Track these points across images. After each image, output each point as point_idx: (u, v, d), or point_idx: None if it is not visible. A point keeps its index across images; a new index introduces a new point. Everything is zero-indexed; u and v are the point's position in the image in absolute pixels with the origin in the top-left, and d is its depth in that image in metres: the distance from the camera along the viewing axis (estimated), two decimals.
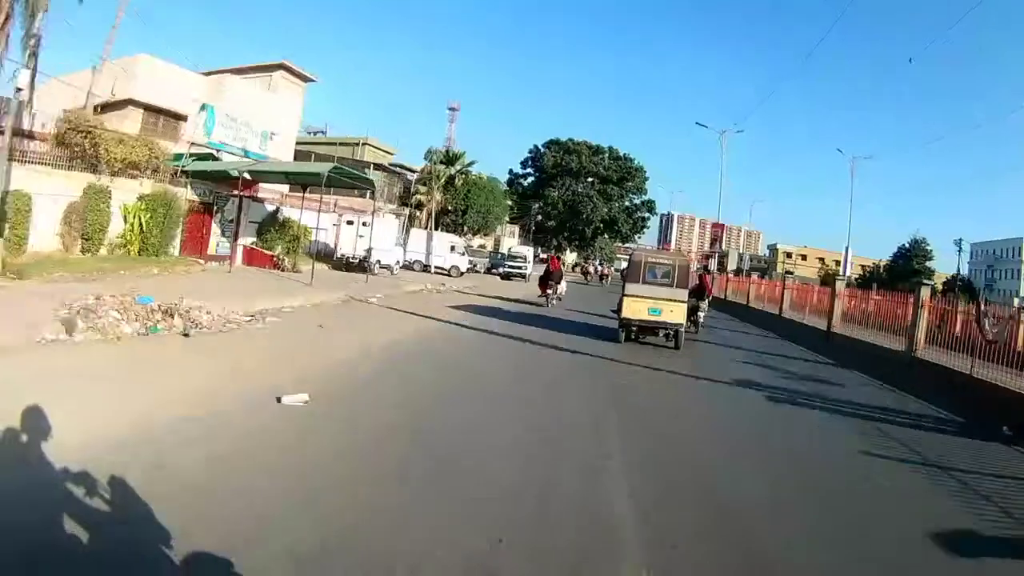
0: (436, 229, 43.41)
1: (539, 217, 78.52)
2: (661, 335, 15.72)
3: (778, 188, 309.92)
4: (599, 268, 73.23)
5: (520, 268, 40.79)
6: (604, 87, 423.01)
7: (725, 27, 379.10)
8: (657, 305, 14.81)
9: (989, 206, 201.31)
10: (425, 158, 44.66)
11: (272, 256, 26.76)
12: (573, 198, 77.58)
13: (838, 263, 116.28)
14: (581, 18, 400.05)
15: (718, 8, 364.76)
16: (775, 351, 18.26)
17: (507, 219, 72.96)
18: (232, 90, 35.94)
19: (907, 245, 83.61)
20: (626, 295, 15.08)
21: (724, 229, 43.66)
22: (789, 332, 23.54)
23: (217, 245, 26.62)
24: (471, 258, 40.24)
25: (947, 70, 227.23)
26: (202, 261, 23.72)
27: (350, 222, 28.26)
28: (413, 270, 35.25)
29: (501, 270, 41.13)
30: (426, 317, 15.82)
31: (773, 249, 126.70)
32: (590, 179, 79.84)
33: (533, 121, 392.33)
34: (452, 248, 35.58)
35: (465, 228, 44.04)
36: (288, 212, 29.91)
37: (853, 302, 21.95)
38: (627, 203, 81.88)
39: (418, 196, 41.18)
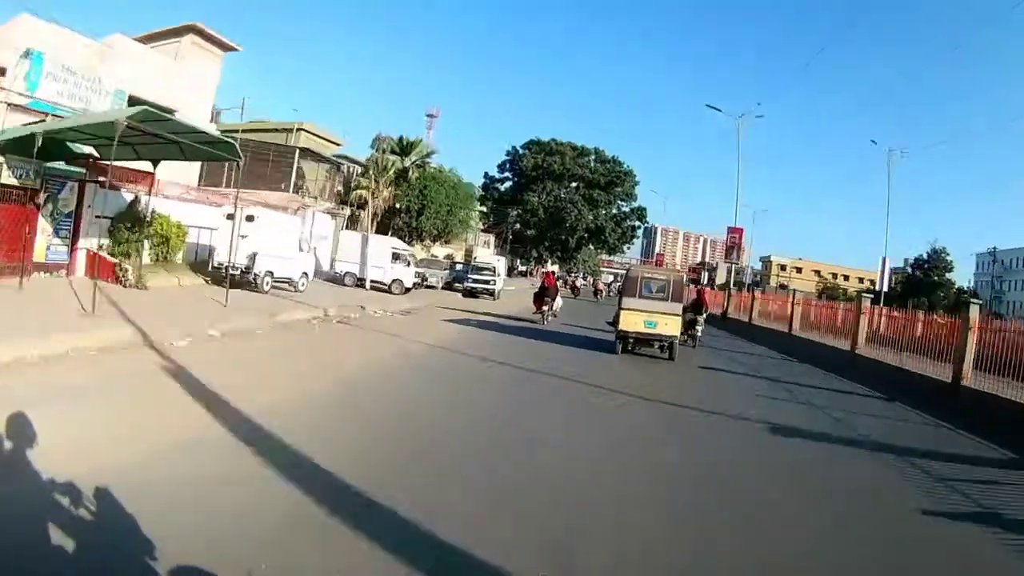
0: (386, 233, 34.71)
1: (517, 225, 70.10)
2: (656, 347, 15.85)
3: (766, 200, 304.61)
4: (585, 281, 67.52)
5: (488, 283, 32.05)
6: (589, 96, 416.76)
7: (722, 35, 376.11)
8: (653, 318, 15.13)
9: (992, 214, 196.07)
10: (372, 146, 36.02)
11: (114, 265, 18.38)
12: (555, 204, 69.18)
13: (835, 276, 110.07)
14: (572, 23, 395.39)
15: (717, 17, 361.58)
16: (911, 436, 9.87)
17: (480, 226, 64.42)
18: (123, 55, 27.97)
19: (925, 255, 76.34)
20: (623, 308, 15.40)
21: (742, 235, 35.35)
22: (880, 381, 15.25)
23: (49, 249, 18.14)
24: (422, 270, 31.46)
25: (949, 74, 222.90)
26: None
27: (230, 216, 19.51)
28: (343, 285, 26.52)
29: (464, 285, 32.44)
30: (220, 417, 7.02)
31: (766, 261, 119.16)
32: (574, 184, 71.65)
33: (516, 132, 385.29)
34: (395, 256, 26.77)
35: (423, 233, 35.28)
36: (168, 205, 21.57)
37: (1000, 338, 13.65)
38: (615, 210, 73.68)
39: (360, 191, 32.44)
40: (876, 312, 18.87)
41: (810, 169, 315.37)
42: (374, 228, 33.14)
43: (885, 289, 40.76)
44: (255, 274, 18.82)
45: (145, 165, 21.27)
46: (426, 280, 30.47)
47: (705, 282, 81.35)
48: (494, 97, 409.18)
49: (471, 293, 31.83)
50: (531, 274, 75.72)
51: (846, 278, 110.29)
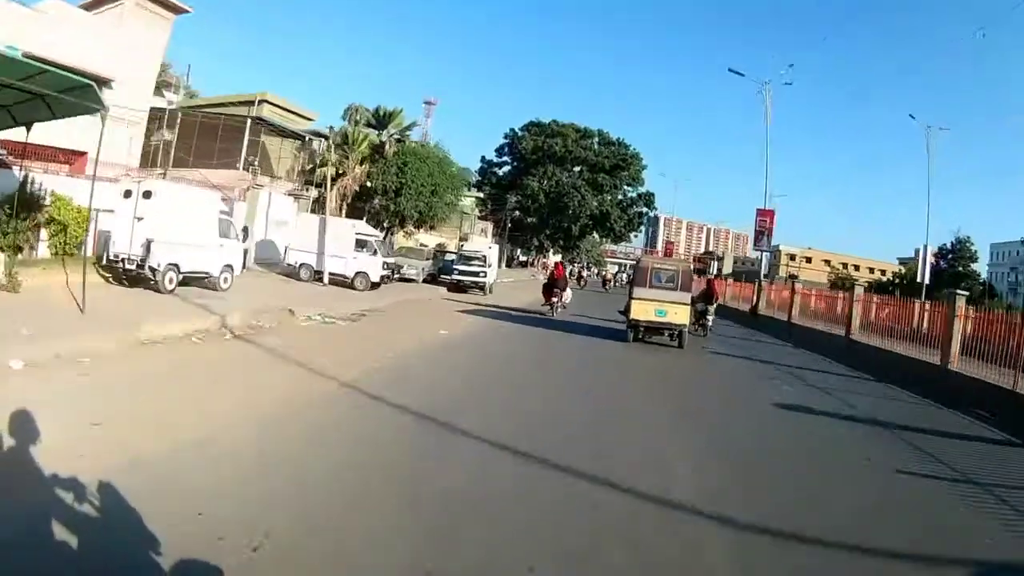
0: (361, 218, 30.05)
1: (516, 213, 65.20)
2: (666, 335, 16.21)
3: (774, 187, 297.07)
4: (590, 272, 63.66)
5: (477, 275, 27.38)
6: (591, 88, 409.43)
7: (722, 27, 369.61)
8: (663, 307, 15.46)
9: (1010, 203, 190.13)
10: (343, 117, 31.25)
11: None
12: (557, 189, 64.06)
13: (845, 266, 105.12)
14: (572, 14, 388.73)
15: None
16: None
17: (477, 213, 59.62)
18: (60, 20, 24.10)
19: (948, 245, 71.62)
20: (634, 298, 15.70)
21: (773, 217, 30.29)
22: (997, 413, 10.90)
23: None
24: (400, 260, 26.73)
25: (951, 65, 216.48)
26: None
27: (128, 193, 14.85)
28: (299, 279, 21.93)
29: (451, 277, 27.80)
30: None
31: (774, 251, 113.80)
32: (577, 167, 66.67)
33: (517, 122, 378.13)
34: (360, 244, 22.10)
35: (404, 218, 30.48)
36: (80, 187, 17.17)
37: None
38: (620, 196, 68.67)
39: (325, 168, 27.76)
40: (975, 315, 14.18)
41: (816, 156, 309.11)
42: (344, 212, 28.45)
43: (927, 281, 35.99)
44: (151, 268, 14.18)
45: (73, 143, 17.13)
46: (399, 272, 25.44)
47: (714, 272, 77.56)
48: (494, 87, 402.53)
49: (458, 287, 27.22)
50: (532, 264, 71.06)
51: (856, 268, 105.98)
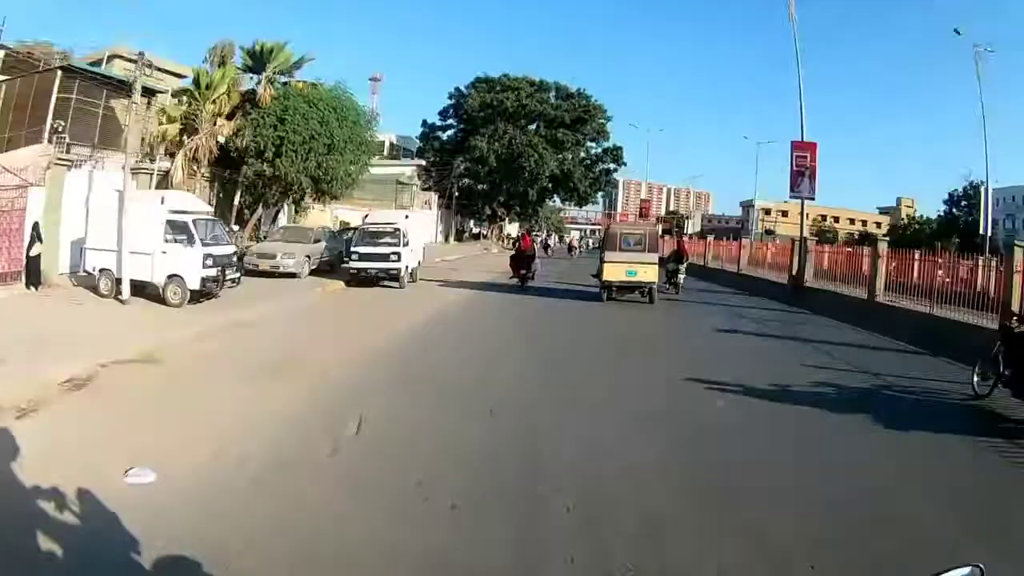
0: (231, 195, 21.47)
1: (465, 180, 56.60)
2: (637, 293, 17.31)
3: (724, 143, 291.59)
4: (555, 239, 60.07)
5: (387, 257, 18.85)
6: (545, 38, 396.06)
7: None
8: (633, 267, 16.71)
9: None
10: (206, 60, 22.30)
11: None
12: (510, 149, 55.20)
13: (824, 218, 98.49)
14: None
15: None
16: None
17: (418, 184, 50.81)
18: None
19: (960, 192, 66.05)
20: (606, 261, 16.97)
21: (815, 152, 21.48)
22: None
23: None
24: (261, 248, 18.37)
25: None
26: None
27: None
28: (99, 293, 13.49)
29: (351, 265, 19.36)
30: None
31: (748, 206, 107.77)
32: (533, 125, 57.99)
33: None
34: (176, 228, 13.25)
35: (300, 189, 21.76)
36: None
37: None
38: (583, 152, 60.55)
39: (165, 127, 19.06)
40: None
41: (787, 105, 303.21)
42: (206, 187, 19.78)
43: (989, 232, 28.87)
44: None
45: None
46: (227, 272, 14.31)
47: (687, 232, 71.04)
48: (451, 58, 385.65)
49: (361, 278, 18.92)
50: (485, 236, 62.70)
51: (836, 220, 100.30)
